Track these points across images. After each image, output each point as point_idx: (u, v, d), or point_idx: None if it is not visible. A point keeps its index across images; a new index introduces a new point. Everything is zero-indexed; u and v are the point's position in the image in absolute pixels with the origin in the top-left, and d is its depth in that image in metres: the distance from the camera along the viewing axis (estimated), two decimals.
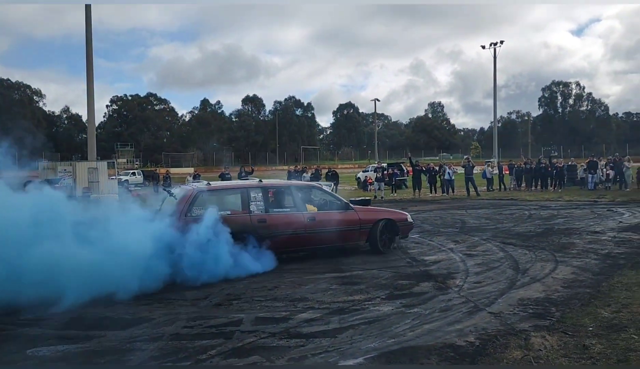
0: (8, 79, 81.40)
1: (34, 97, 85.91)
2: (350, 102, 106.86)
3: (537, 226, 12.00)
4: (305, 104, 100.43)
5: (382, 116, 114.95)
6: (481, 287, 6.47)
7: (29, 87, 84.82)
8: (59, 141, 79.02)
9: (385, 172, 24.25)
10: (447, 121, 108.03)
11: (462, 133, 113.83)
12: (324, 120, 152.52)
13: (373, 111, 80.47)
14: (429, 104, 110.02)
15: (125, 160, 75.50)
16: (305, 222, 8.27)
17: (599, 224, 12.00)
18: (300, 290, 6.53)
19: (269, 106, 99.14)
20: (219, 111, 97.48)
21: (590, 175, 22.50)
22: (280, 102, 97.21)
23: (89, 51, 28.55)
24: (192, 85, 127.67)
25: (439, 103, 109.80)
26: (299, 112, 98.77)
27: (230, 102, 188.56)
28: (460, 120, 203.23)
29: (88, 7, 28.31)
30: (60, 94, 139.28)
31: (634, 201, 17.35)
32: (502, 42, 45.51)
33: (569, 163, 26.37)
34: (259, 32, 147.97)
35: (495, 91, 49.33)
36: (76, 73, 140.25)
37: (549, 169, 23.51)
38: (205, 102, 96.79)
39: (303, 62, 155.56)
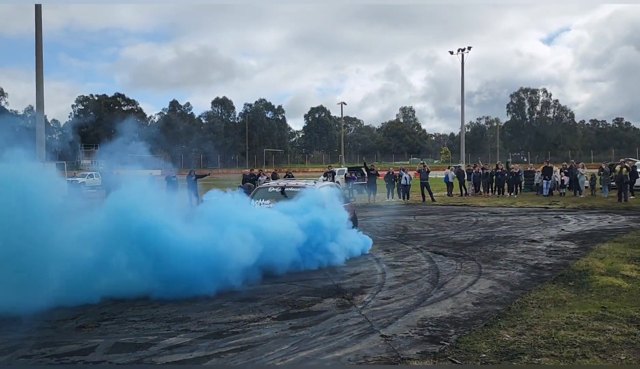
0: None
1: None
2: (322, 105, 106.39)
3: (477, 234, 11.61)
4: (276, 107, 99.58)
5: (354, 120, 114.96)
6: (388, 304, 5.93)
7: None
8: (23, 140, 76.52)
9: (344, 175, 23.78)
10: (419, 125, 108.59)
11: (433, 138, 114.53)
12: (299, 123, 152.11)
13: (347, 114, 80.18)
14: (400, 109, 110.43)
15: (90, 161, 73.45)
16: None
17: (540, 232, 11.69)
18: (188, 308, 5.88)
19: (239, 109, 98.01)
20: (189, 113, 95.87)
21: (545, 181, 22.43)
22: (250, 105, 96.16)
23: (39, 54, 27.31)
24: (166, 86, 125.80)
25: (410, 108, 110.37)
26: (269, 115, 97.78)
27: (201, 104, 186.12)
28: (434, 125, 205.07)
29: (38, 8, 27.10)
30: (29, 94, 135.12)
31: (584, 208, 17.23)
32: (469, 48, 45.62)
33: (528, 169, 26.34)
34: (236, 34, 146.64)
35: (463, 97, 49.45)
36: (45, 72, 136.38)
37: (506, 174, 23.37)
38: (174, 104, 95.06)
39: (279, 64, 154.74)
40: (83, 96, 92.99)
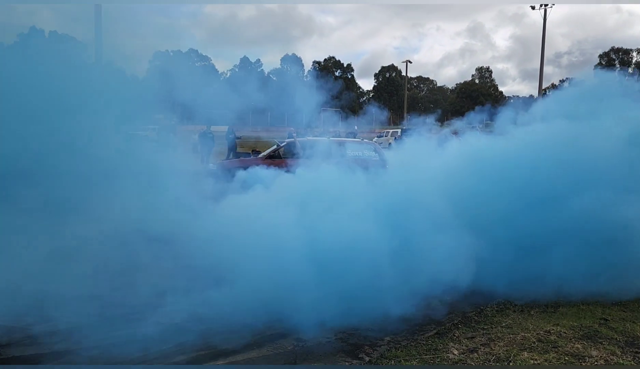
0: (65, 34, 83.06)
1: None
2: (392, 64, 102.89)
3: None
4: (345, 66, 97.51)
5: (427, 81, 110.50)
6: None
7: (73, 39, 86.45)
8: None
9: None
10: (495, 87, 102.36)
11: (511, 100, 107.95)
12: (371, 83, 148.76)
13: (421, 74, 77.00)
14: (476, 69, 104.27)
15: (162, 116, 76.39)
16: None
17: None
18: None
19: (308, 66, 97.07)
20: (259, 70, 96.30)
21: None
22: (319, 63, 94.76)
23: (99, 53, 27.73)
24: (243, 44, 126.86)
25: (487, 68, 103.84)
26: (338, 73, 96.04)
27: (272, 62, 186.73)
28: (516, 87, 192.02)
29: (98, 8, 27.36)
30: (119, 49, 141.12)
31: None
32: (553, 4, 41.80)
33: None
34: None
35: (543, 56, 45.68)
36: (132, 30, 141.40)
37: None
38: (244, 61, 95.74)
39: (357, 22, 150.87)
40: (160, 51, 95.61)
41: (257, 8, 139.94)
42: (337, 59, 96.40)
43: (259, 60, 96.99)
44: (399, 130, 31.97)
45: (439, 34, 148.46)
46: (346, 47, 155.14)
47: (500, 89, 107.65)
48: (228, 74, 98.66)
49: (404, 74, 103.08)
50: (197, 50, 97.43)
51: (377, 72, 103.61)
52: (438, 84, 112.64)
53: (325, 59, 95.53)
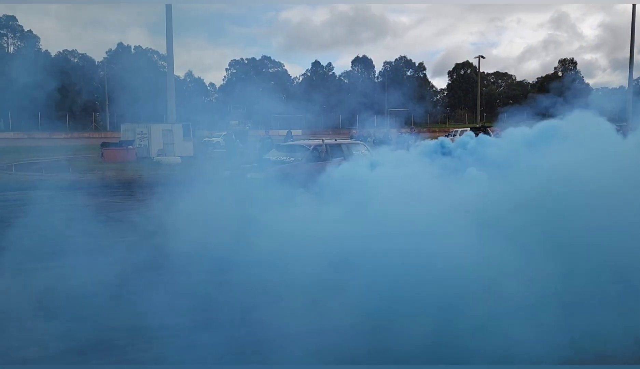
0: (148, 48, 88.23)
1: (160, 63, 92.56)
2: (467, 61, 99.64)
3: None
4: (417, 64, 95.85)
5: (505, 76, 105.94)
6: None
7: (157, 53, 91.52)
8: (183, 103, 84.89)
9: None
10: (581, 79, 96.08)
11: (600, 93, 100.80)
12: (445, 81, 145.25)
13: (500, 69, 74.15)
14: (559, 61, 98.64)
15: (237, 122, 79.05)
16: None
17: None
18: None
19: (378, 67, 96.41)
20: (330, 73, 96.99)
21: None
22: (390, 63, 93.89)
23: (170, 50, 29.34)
24: (316, 48, 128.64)
25: (572, 60, 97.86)
26: (410, 72, 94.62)
27: (343, 64, 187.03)
28: (606, 78, 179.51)
29: (169, 8, 28.95)
30: (187, 60, 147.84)
31: None
32: None
33: None
34: None
35: (633, 44, 42.73)
36: (211, 39, 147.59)
37: None
38: (316, 65, 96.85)
39: (431, 20, 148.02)
40: (235, 59, 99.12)
41: (330, 11, 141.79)
42: (408, 58, 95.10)
43: (330, 63, 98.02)
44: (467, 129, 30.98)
45: (520, 27, 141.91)
46: (420, 46, 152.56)
47: (587, 81, 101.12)
48: (300, 79, 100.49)
49: (482, 70, 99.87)
50: (270, 57, 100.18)
51: (450, 69, 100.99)
52: (517, 79, 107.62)
53: (396, 59, 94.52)
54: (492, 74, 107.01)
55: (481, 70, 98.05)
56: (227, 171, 11.32)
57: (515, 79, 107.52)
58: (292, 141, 17.98)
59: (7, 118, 67.83)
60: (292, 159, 11.91)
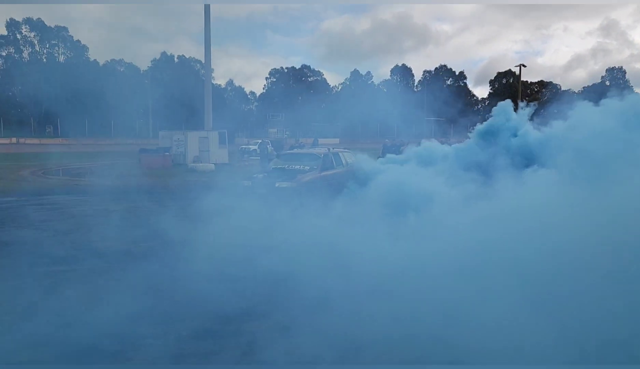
0: (191, 57, 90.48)
1: (201, 71, 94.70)
2: (510, 69, 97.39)
3: None
4: (457, 73, 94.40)
5: (550, 85, 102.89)
6: None
7: (199, 62, 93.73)
8: (223, 111, 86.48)
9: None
10: (630, 88, 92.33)
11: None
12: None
13: (544, 78, 72.18)
14: (607, 70, 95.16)
15: (275, 130, 79.90)
16: None
17: None
18: None
19: (418, 76, 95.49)
20: (369, 82, 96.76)
21: None
22: (429, 72, 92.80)
23: (208, 50, 29.93)
24: (357, 57, 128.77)
25: (620, 68, 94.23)
26: (449, 81, 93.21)
27: (382, 73, 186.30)
28: None
29: (207, 8, 29.62)
30: (241, 69, 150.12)
31: None
32: None
33: None
34: None
35: None
36: (253, 48, 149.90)
37: None
38: (355, 74, 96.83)
39: (474, 28, 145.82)
40: (275, 68, 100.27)
41: (372, 20, 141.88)
42: (448, 67, 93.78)
43: (369, 72, 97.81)
44: None
45: (566, 35, 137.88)
46: (462, 54, 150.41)
47: (638, 90, 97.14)
48: (339, 88, 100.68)
49: (527, 79, 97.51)
50: (309, 66, 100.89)
51: (492, 78, 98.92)
52: (563, 88, 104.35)
53: (436, 68, 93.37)
54: (535, 83, 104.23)
55: (525, 79, 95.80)
56: (246, 180, 11.34)
57: (560, 88, 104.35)
58: (291, 150, 18.36)
59: (56, 125, 70.99)
60: (308, 167, 11.85)
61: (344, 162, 13.03)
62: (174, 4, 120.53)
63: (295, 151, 13.50)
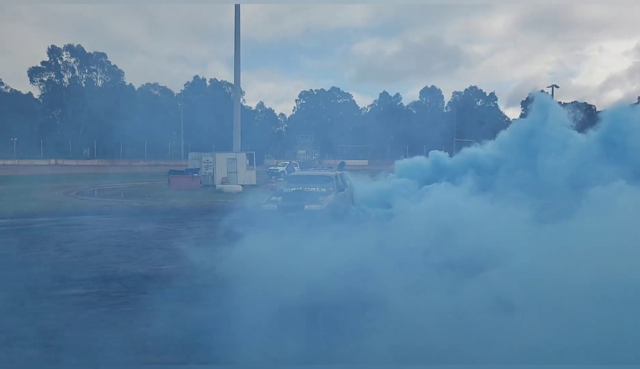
0: (223, 80, 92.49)
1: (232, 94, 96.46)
2: (542, 90, 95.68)
3: None
4: (487, 94, 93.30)
5: (584, 105, 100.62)
6: None
7: (231, 85, 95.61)
8: (253, 133, 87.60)
9: None
10: None
11: None
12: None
13: (578, 99, 70.64)
14: None
15: (304, 151, 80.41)
16: None
17: None
18: None
19: (447, 97, 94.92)
20: (398, 103, 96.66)
21: None
22: (459, 93, 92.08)
23: (237, 50, 30.44)
24: (388, 79, 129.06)
25: None
26: (480, 102, 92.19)
27: (411, 95, 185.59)
28: None
29: (237, 7, 30.26)
30: (272, 91, 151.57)
31: None
32: None
33: None
34: (462, 21, 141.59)
35: None
36: (285, 71, 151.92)
37: None
38: (384, 95, 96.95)
39: (507, 49, 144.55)
40: (304, 90, 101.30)
41: (402, 43, 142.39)
42: (479, 88, 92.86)
43: (398, 94, 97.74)
44: None
45: (602, 55, 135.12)
46: (494, 75, 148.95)
47: None
48: (368, 109, 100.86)
49: (559, 100, 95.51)
50: (339, 88, 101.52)
51: (523, 99, 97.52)
52: (597, 109, 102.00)
53: (466, 89, 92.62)
54: (569, 104, 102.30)
55: (558, 100, 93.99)
56: (269, 204, 11.29)
57: (595, 109, 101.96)
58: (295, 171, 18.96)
59: (93, 146, 73.33)
60: (324, 189, 11.94)
61: (347, 183, 13.47)
62: (207, 26, 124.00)
63: (300, 173, 13.72)
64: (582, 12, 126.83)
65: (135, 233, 11.55)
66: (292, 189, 11.92)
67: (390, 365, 3.86)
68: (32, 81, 76.44)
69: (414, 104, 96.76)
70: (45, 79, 76.55)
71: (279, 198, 11.47)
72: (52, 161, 61.90)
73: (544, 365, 3.53)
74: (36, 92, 78.75)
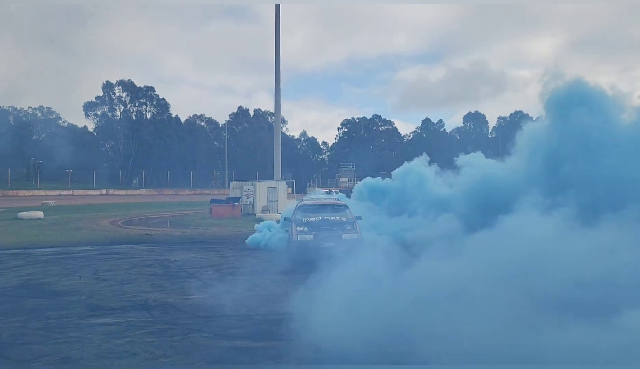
0: (266, 110, 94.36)
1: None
2: None
3: None
4: (534, 119, 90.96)
5: None
6: None
7: (271, 114, 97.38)
8: (296, 161, 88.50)
9: None
10: None
11: None
12: None
13: None
14: None
15: (346, 179, 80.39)
16: None
17: None
18: None
19: (492, 123, 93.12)
20: (441, 130, 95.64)
21: None
22: (504, 118, 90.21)
23: (277, 77, 31.03)
24: (430, 105, 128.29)
25: None
26: None
27: (454, 121, 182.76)
28: None
29: (277, 7, 31.02)
30: (316, 120, 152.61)
31: None
32: None
33: None
34: (508, 44, 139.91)
35: None
36: (329, 100, 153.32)
37: None
38: (426, 122, 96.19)
39: (554, 73, 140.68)
40: (347, 118, 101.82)
41: (447, 69, 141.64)
42: (524, 112, 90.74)
43: (441, 120, 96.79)
44: None
45: None
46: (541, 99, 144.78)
47: None
48: (410, 136, 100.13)
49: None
50: (380, 115, 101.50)
51: None
52: None
53: (511, 114, 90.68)
54: None
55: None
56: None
57: None
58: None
59: (142, 176, 76.13)
60: (345, 218, 12.02)
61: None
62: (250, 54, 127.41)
63: (309, 202, 13.67)
64: (632, 34, 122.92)
65: (170, 262, 11.72)
66: (315, 218, 11.87)
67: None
68: (86, 115, 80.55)
69: (457, 130, 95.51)
70: (99, 112, 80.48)
71: (306, 228, 11.46)
72: (104, 191, 64.54)
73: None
74: (90, 126, 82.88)
